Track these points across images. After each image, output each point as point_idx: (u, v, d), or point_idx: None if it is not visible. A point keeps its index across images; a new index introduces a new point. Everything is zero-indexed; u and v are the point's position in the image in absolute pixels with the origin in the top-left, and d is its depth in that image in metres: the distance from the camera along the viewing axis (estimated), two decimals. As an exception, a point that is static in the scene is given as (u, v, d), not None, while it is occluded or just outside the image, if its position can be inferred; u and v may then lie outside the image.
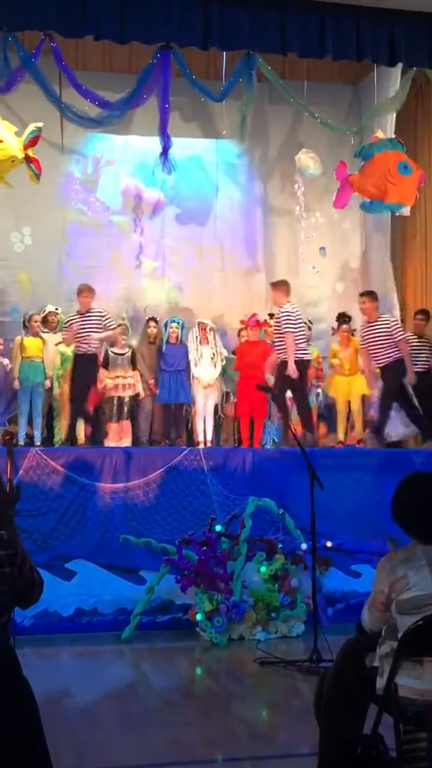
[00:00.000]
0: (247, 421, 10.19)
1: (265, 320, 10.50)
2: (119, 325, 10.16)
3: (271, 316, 10.64)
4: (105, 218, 11.16)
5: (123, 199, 11.20)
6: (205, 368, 10.13)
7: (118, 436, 9.86)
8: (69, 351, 9.91)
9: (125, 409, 10.05)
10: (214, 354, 10.19)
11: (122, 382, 10.02)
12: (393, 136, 9.97)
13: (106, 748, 5.09)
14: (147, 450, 9.28)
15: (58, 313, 10.40)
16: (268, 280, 11.38)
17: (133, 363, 10.16)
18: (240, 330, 10.62)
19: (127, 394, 10.03)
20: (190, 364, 10.20)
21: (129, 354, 10.19)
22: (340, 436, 10.37)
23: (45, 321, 10.35)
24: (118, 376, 10.04)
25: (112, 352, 10.18)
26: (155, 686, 6.94)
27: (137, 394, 10.13)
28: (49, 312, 10.39)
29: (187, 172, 11.00)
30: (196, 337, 10.23)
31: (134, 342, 10.56)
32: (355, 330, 10.60)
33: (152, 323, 10.35)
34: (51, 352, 10.09)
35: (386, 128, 10.10)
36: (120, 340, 10.03)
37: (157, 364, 10.23)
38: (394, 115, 10.16)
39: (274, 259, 11.46)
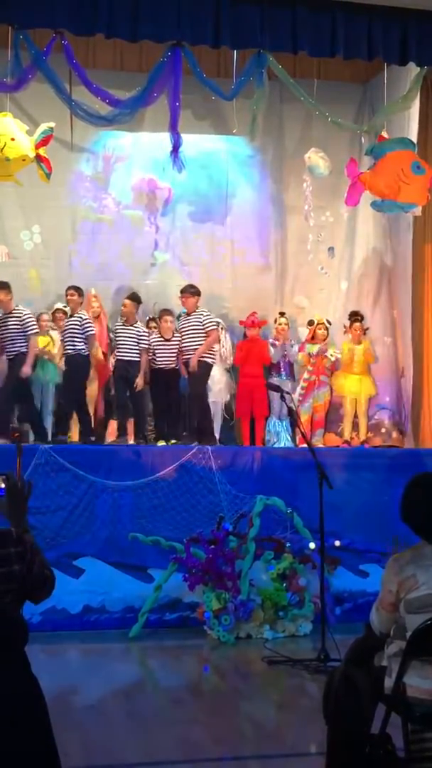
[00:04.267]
0: (247, 420, 10.22)
1: (265, 319, 10.58)
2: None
3: (282, 314, 10.65)
4: (116, 214, 11.14)
5: (134, 196, 11.18)
6: (215, 366, 10.12)
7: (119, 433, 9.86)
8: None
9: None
10: (223, 352, 10.17)
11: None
12: (415, 136, 9.95)
13: (113, 745, 5.09)
14: (156, 448, 9.27)
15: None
16: (278, 278, 11.35)
17: None
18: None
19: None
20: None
21: None
22: (347, 435, 10.36)
23: (54, 319, 10.36)
24: None
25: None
26: (162, 684, 6.95)
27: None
28: (58, 309, 10.41)
29: (199, 169, 10.97)
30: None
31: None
32: (367, 329, 10.59)
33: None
34: (60, 349, 10.09)
35: (406, 129, 10.06)
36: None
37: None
38: (417, 115, 10.13)
39: (285, 257, 11.42)
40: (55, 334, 10.17)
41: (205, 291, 10.80)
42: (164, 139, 9.48)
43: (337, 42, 9.21)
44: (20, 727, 2.97)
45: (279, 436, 10.17)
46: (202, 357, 9.78)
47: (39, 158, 9.08)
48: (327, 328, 10.55)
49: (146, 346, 9.77)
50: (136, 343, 9.73)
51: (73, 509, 8.30)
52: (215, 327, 9.87)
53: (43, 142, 9.10)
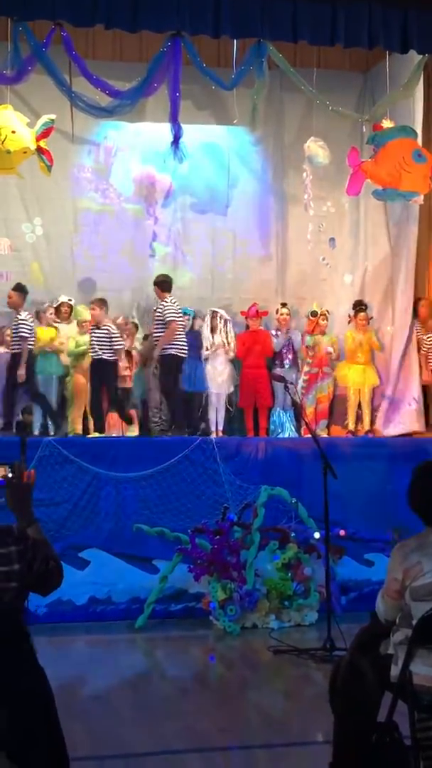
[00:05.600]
0: (251, 411, 10.21)
1: (266, 310, 10.54)
2: (130, 323, 10.34)
3: (284, 305, 10.65)
4: (118, 205, 11.12)
5: (135, 187, 11.14)
6: (218, 357, 10.12)
7: (123, 426, 9.86)
8: (82, 342, 9.93)
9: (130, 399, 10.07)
10: (225, 343, 10.15)
11: (125, 374, 10.04)
12: (419, 124, 9.92)
13: (119, 735, 5.11)
14: (159, 440, 9.27)
15: (71, 304, 10.42)
16: (279, 268, 11.33)
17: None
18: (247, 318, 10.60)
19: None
20: (203, 352, 10.16)
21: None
22: (351, 425, 10.35)
23: (58, 311, 10.36)
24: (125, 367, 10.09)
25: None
26: (168, 674, 6.97)
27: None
28: (62, 302, 10.41)
29: (200, 160, 10.94)
30: (208, 325, 10.21)
31: (142, 332, 10.58)
32: (372, 318, 10.57)
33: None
34: (64, 342, 10.11)
35: (410, 117, 10.01)
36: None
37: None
38: (420, 103, 10.08)
39: (286, 247, 11.39)
40: (63, 327, 10.18)
41: (206, 282, 10.81)
42: (165, 129, 9.46)
43: (338, 30, 9.17)
44: (27, 718, 2.98)
45: (283, 426, 10.19)
46: (168, 350, 9.51)
47: (40, 150, 9.06)
48: (327, 318, 10.55)
49: (120, 347, 9.67)
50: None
51: (78, 501, 8.33)
52: (174, 318, 9.56)
53: (44, 134, 9.08)
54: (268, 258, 11.39)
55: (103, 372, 9.52)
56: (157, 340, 9.60)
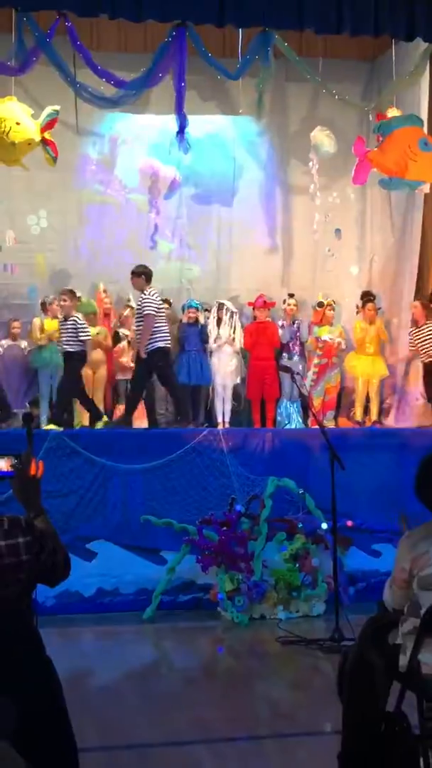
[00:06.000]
0: (258, 402, 10.16)
1: (273, 301, 10.47)
2: (126, 306, 10.20)
3: (291, 295, 10.61)
4: (122, 197, 11.08)
5: (140, 178, 11.09)
6: (223, 349, 10.09)
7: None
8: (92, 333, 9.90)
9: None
10: (232, 335, 10.11)
11: (130, 365, 9.99)
12: (425, 113, 9.86)
13: (128, 726, 5.12)
14: (165, 431, 9.26)
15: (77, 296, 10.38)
16: (285, 259, 11.27)
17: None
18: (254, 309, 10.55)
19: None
20: (209, 345, 10.12)
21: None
22: (359, 416, 10.33)
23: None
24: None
25: (121, 333, 10.21)
26: (177, 665, 6.98)
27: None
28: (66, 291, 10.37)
29: (205, 151, 10.86)
30: (215, 317, 10.18)
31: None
32: (380, 308, 10.53)
33: (164, 305, 9.98)
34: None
35: (417, 105, 9.94)
36: None
37: (174, 346, 10.07)
38: (427, 91, 10.01)
39: (291, 238, 11.34)
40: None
41: (211, 274, 10.74)
42: (170, 120, 9.42)
43: (344, 19, 9.10)
44: (35, 709, 2.98)
45: (290, 417, 10.18)
46: (154, 343, 9.18)
47: (45, 142, 9.04)
48: (334, 309, 10.51)
49: (87, 338, 9.44)
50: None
51: (85, 493, 8.32)
52: (150, 312, 9.17)
53: (49, 125, 9.06)
54: (275, 249, 11.35)
55: (69, 364, 9.40)
56: (140, 336, 9.31)
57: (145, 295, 9.31)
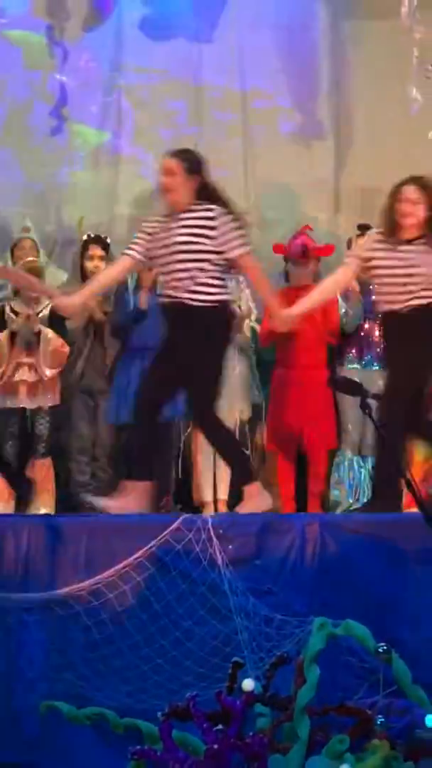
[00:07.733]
0: (291, 457, 5.88)
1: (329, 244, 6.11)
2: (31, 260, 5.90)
3: (364, 229, 6.18)
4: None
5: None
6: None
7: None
8: None
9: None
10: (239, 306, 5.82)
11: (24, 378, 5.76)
12: None
13: None
14: (87, 520, 4.82)
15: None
16: (338, 152, 6.70)
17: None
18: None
19: (37, 402, 5.74)
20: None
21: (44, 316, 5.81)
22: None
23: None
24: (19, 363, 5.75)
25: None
26: None
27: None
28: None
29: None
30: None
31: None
32: None
33: (96, 250, 5.87)
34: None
35: None
36: None
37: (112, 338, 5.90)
38: None
39: (350, 115, 6.55)
40: None
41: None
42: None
43: None
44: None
45: (360, 489, 5.80)
46: None
47: None
48: None
49: None
50: None
51: None
52: None
53: None
54: (317, 136, 6.84)
55: None
56: None
57: None
